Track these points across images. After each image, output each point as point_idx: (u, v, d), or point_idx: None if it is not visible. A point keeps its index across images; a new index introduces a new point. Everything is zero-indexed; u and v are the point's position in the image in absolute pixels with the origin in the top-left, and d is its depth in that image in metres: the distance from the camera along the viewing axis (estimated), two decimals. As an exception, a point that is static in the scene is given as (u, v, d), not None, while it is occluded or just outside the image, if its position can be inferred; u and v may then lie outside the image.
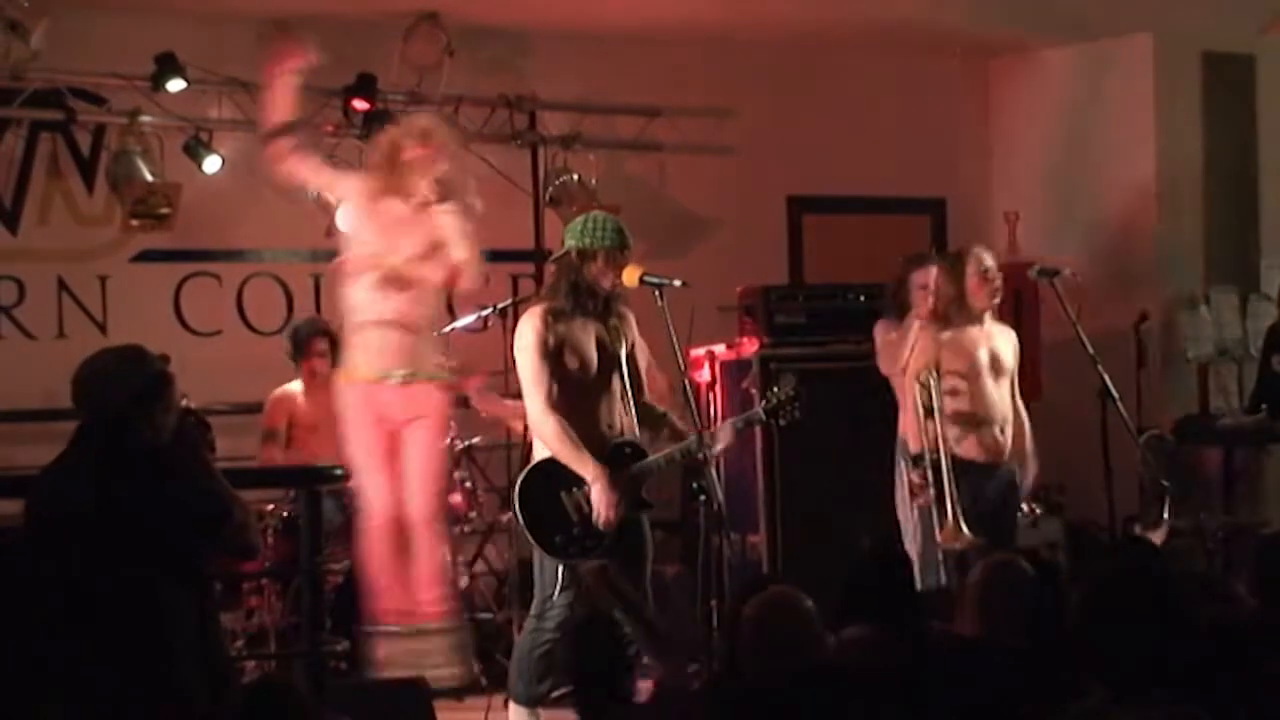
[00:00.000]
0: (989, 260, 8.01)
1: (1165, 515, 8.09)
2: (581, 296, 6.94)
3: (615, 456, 6.99)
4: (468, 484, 9.11)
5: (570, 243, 7.00)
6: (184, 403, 5.33)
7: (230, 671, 5.47)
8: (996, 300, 8.02)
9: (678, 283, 7.00)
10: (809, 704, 4.62)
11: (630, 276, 6.95)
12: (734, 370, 9.52)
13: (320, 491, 7.51)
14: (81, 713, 4.72)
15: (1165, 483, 8.18)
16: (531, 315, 6.94)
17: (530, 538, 6.93)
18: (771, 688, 4.62)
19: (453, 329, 9.06)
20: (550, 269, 7.26)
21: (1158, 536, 8.00)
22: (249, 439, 9.10)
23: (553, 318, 6.91)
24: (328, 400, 9.03)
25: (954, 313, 7.96)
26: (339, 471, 7.73)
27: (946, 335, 7.94)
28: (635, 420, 7.03)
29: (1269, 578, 5.25)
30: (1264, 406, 10.11)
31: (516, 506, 6.97)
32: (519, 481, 7.01)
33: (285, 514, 8.40)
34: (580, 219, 7.10)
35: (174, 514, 4.90)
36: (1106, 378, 8.13)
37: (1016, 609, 5.14)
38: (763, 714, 4.59)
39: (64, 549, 4.88)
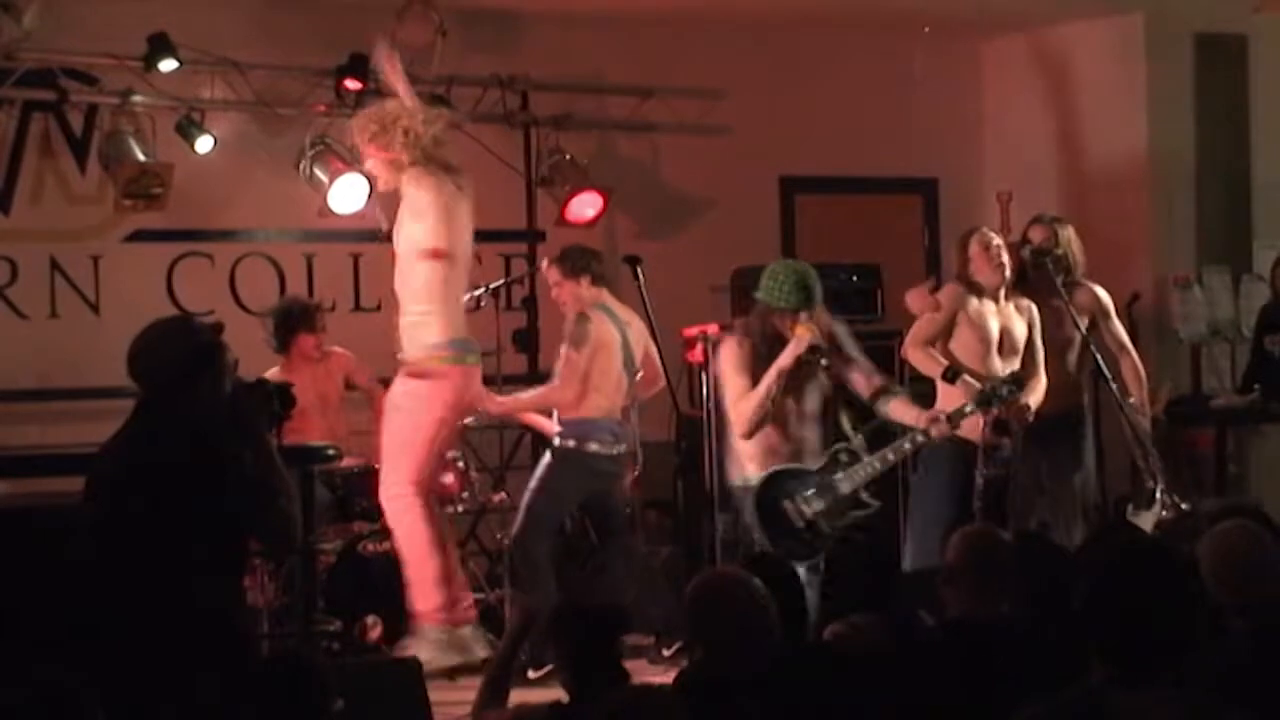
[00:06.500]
0: (994, 238, 8.09)
1: (1157, 496, 8.09)
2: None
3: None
4: (460, 464, 9.09)
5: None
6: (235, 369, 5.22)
7: (253, 642, 5.52)
8: (1006, 276, 8.06)
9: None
10: (787, 689, 4.65)
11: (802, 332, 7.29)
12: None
13: (313, 471, 7.51)
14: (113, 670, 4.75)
15: (1158, 463, 8.18)
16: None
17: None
18: (750, 672, 4.64)
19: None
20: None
21: (1150, 518, 8.02)
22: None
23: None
24: (317, 380, 9.02)
25: (974, 289, 8.01)
26: (331, 452, 7.72)
27: (973, 307, 7.98)
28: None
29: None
30: (1256, 387, 10.11)
31: (758, 526, 7.25)
32: (756, 500, 7.26)
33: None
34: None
35: (212, 488, 4.90)
36: (1099, 357, 8.14)
37: (996, 581, 5.17)
38: (740, 697, 4.62)
39: (108, 516, 4.92)
